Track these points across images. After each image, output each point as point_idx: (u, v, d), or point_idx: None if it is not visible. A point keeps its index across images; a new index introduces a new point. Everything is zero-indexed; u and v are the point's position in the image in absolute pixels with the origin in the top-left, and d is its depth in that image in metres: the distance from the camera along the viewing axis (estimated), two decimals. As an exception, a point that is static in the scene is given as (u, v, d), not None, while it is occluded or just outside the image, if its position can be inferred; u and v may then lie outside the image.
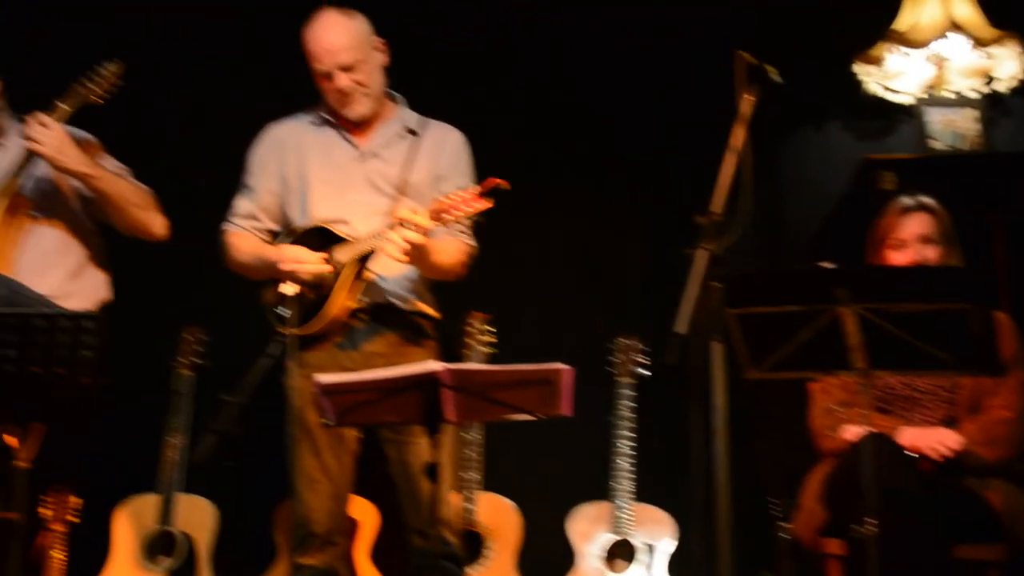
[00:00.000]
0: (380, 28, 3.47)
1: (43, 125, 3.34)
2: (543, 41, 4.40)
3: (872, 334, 2.62)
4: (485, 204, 3.06)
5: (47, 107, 3.41)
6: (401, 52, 3.53)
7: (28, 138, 3.34)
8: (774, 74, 2.69)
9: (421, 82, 3.96)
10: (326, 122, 3.49)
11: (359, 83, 3.37)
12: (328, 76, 3.35)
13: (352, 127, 3.46)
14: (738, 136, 2.60)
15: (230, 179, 3.59)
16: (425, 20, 4.40)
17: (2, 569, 3.41)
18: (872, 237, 3.40)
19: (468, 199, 3.08)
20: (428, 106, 3.57)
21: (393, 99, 3.54)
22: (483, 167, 3.40)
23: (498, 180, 3.05)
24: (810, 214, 4.41)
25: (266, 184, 3.50)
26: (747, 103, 2.64)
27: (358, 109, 3.40)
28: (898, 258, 3.30)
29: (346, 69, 3.34)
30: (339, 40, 3.34)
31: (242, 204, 3.53)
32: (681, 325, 2.41)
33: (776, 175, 4.34)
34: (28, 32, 4.27)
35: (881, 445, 2.86)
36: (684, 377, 2.60)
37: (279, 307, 3.28)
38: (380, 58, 3.43)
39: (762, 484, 3.58)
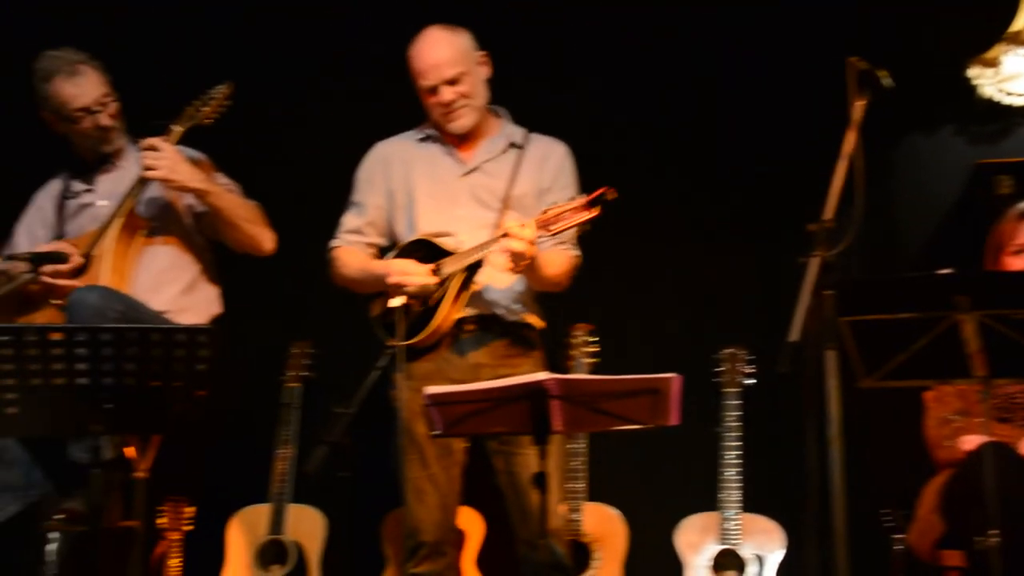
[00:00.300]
0: (486, 43, 3.50)
1: (154, 149, 3.44)
2: (650, 51, 4.37)
3: (992, 341, 2.56)
4: (592, 214, 3.05)
5: (162, 129, 3.51)
6: (507, 66, 3.55)
7: (143, 166, 3.45)
8: (885, 79, 2.63)
9: (527, 95, 4.00)
10: (431, 138, 3.53)
11: (463, 95, 3.40)
12: (433, 91, 3.39)
13: (457, 142, 3.50)
14: (850, 142, 2.55)
15: (337, 195, 3.65)
16: (531, 34, 4.40)
17: (123, 573, 3.51)
18: (990, 243, 3.31)
19: (575, 209, 3.07)
20: (534, 118, 3.58)
21: (497, 114, 3.56)
22: (588, 177, 3.38)
23: (605, 189, 3.04)
24: (923, 220, 4.31)
25: (373, 200, 3.54)
26: (858, 108, 2.59)
27: (463, 122, 3.43)
28: (1017, 264, 3.22)
29: (451, 82, 3.38)
30: (443, 54, 3.38)
31: (350, 220, 3.58)
32: (794, 333, 2.37)
33: (888, 181, 4.25)
34: (143, 55, 4.38)
35: (1002, 454, 2.79)
36: (795, 386, 2.56)
37: (387, 320, 3.32)
38: (483, 71, 3.47)
39: (874, 495, 3.51)
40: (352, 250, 3.55)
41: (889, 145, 4.27)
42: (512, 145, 3.49)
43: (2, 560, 3.97)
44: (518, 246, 3.09)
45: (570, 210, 3.08)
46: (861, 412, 2.85)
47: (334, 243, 3.59)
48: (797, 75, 4.17)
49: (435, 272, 3.30)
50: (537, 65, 4.38)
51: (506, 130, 3.53)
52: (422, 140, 3.55)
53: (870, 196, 2.61)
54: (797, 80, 4.17)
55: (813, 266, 2.45)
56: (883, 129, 2.82)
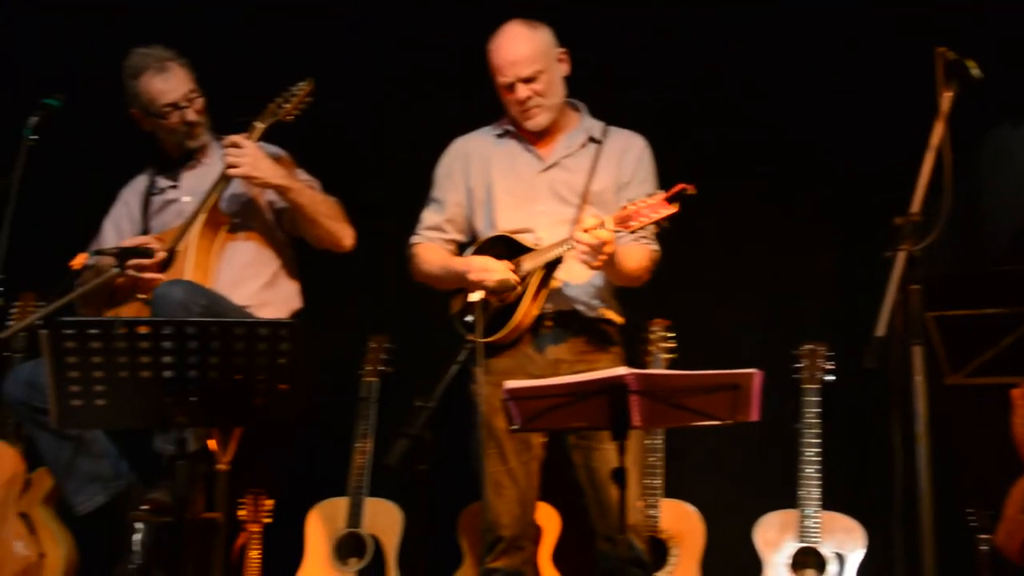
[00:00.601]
0: (569, 36, 3.49)
1: (236, 146, 3.49)
2: (730, 44, 4.32)
3: (1085, 338, 2.49)
4: (671, 210, 3.03)
5: (244, 126, 3.56)
6: (590, 59, 3.53)
7: (225, 163, 3.49)
8: (974, 69, 2.57)
9: (608, 88, 3.98)
10: (509, 134, 3.53)
11: (539, 93, 3.40)
12: (510, 88, 3.40)
13: (535, 138, 3.49)
14: (937, 134, 2.49)
15: (416, 191, 3.67)
16: (609, 28, 4.37)
17: (206, 566, 3.56)
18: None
19: (655, 205, 3.06)
20: (613, 111, 3.57)
21: (576, 108, 3.55)
22: (667, 172, 3.36)
23: (684, 185, 3.01)
24: (1012, 213, 4.20)
25: (453, 196, 3.56)
26: (946, 100, 2.53)
27: (537, 120, 3.43)
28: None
29: (527, 80, 3.38)
30: (521, 52, 3.38)
31: (429, 216, 3.60)
32: (881, 328, 2.32)
33: (976, 173, 4.15)
34: (227, 52, 4.44)
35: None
36: (876, 383, 2.51)
37: (467, 315, 3.34)
38: (561, 69, 3.46)
39: (959, 494, 3.44)
40: (432, 246, 3.57)
41: (977, 137, 4.17)
42: (591, 140, 3.49)
43: (89, 549, 4.07)
44: (596, 243, 3.08)
45: (649, 206, 3.07)
46: (947, 409, 2.79)
47: (414, 239, 3.60)
48: (883, 66, 4.08)
49: (514, 269, 3.30)
50: (616, 58, 4.34)
51: (584, 124, 3.52)
52: (500, 136, 3.56)
53: (958, 189, 2.55)
54: (883, 71, 4.08)
55: (900, 260, 2.40)
56: (971, 120, 2.74)
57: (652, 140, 3.53)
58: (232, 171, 3.49)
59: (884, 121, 3.99)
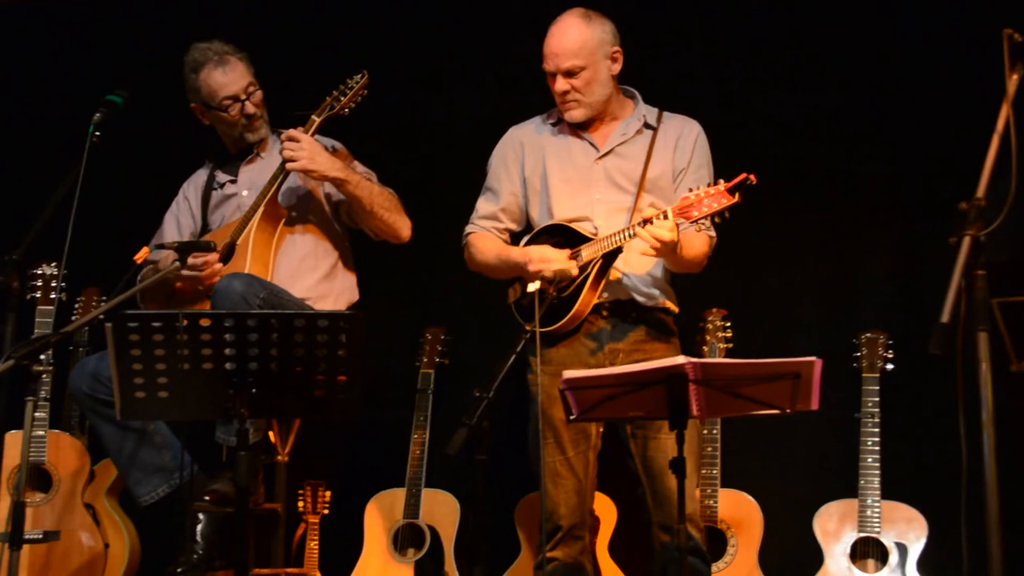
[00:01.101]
0: (631, 20, 3.45)
1: (293, 139, 3.51)
2: (794, 24, 4.26)
3: None
4: (733, 200, 2.99)
5: (302, 120, 3.58)
6: (657, 41, 3.46)
7: (283, 156, 3.52)
8: (1042, 50, 2.51)
9: (671, 73, 3.95)
10: (564, 122, 3.51)
11: (576, 89, 3.37)
12: (552, 76, 3.39)
13: (589, 126, 3.47)
14: (1003, 117, 2.44)
15: (471, 180, 3.67)
16: (679, 10, 4.36)
17: (267, 556, 3.59)
18: None
19: (716, 195, 3.02)
20: (677, 97, 3.54)
21: (630, 96, 3.53)
22: (725, 160, 3.33)
23: (746, 175, 2.98)
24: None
25: (507, 186, 3.55)
26: (1013, 83, 2.47)
27: (573, 115, 3.42)
28: None
29: (566, 74, 3.36)
30: (567, 45, 3.36)
31: (484, 206, 3.59)
32: (945, 314, 2.28)
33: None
34: (285, 46, 4.47)
35: None
36: (938, 371, 2.48)
37: (523, 305, 3.33)
38: (609, 67, 3.41)
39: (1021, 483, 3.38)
40: (487, 236, 3.56)
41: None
42: (646, 126, 3.46)
43: (152, 539, 4.12)
44: (659, 234, 3.06)
45: (711, 196, 3.03)
46: (1013, 397, 2.74)
47: (469, 229, 3.60)
48: (949, 47, 3.99)
49: (573, 257, 3.29)
50: (675, 39, 4.32)
51: (639, 111, 3.49)
52: (554, 124, 3.54)
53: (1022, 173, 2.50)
54: (949, 52, 3.99)
55: (964, 246, 2.35)
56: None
57: (709, 122, 3.49)
58: (290, 164, 3.51)
59: (949, 103, 3.90)
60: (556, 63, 3.36)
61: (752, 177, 2.97)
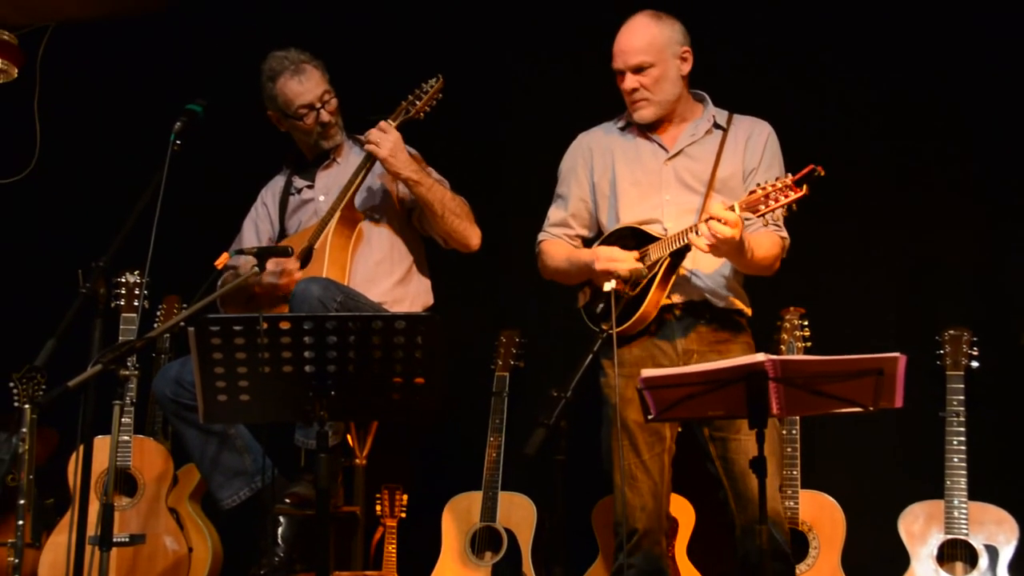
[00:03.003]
0: (699, 19, 3.44)
1: (382, 130, 3.55)
2: (863, 30, 4.22)
3: None
4: (800, 193, 2.95)
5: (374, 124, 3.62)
6: (734, 43, 3.43)
7: (368, 141, 3.56)
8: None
9: (748, 73, 3.92)
10: (633, 125, 3.50)
11: (644, 87, 3.36)
12: (620, 74, 3.38)
13: (658, 128, 3.46)
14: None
15: (543, 186, 3.68)
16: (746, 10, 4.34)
17: (347, 559, 3.63)
18: None
19: (783, 188, 2.98)
20: (752, 96, 3.50)
21: (700, 99, 3.51)
22: (798, 155, 3.29)
23: (813, 166, 2.93)
24: None
25: (577, 192, 3.55)
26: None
27: (642, 114, 3.40)
28: None
29: (634, 71, 3.35)
30: (636, 42, 3.35)
31: (555, 213, 3.60)
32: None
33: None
34: (361, 51, 4.52)
35: None
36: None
37: (595, 307, 3.33)
38: (678, 67, 3.39)
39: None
40: (558, 242, 3.57)
41: None
42: (716, 126, 3.44)
43: (233, 542, 4.18)
44: (723, 230, 3.02)
45: (778, 190, 2.99)
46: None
47: (541, 237, 3.61)
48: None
49: (641, 258, 3.27)
50: (754, 40, 4.30)
51: (709, 113, 3.47)
52: (623, 128, 3.53)
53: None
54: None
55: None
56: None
57: (782, 118, 3.46)
58: (372, 147, 3.55)
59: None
60: (625, 60, 3.35)
61: (820, 169, 2.92)
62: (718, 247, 3.08)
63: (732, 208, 3.05)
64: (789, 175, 3.00)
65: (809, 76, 4.24)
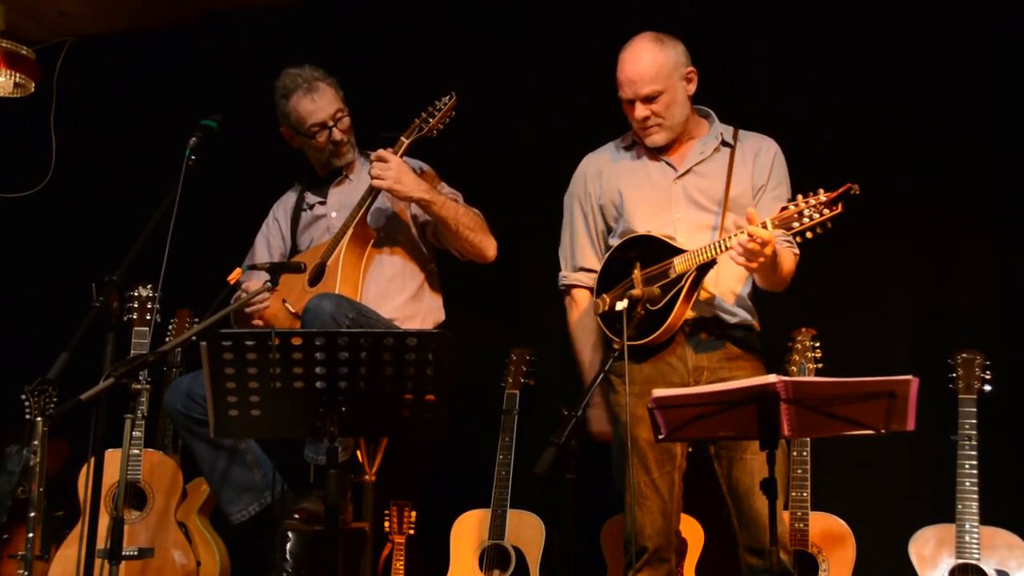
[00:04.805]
0: (712, 38, 3.44)
1: (382, 160, 3.55)
2: (885, 44, 4.22)
3: None
4: (835, 212, 2.92)
5: (391, 141, 3.62)
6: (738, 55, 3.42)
7: (371, 175, 3.56)
8: None
9: (758, 84, 3.93)
10: (639, 144, 3.49)
11: (656, 114, 3.35)
12: (630, 103, 3.37)
13: (667, 148, 3.45)
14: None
15: (552, 201, 3.69)
16: (761, 23, 4.35)
17: (355, 574, 3.62)
18: None
19: (818, 206, 2.95)
20: (764, 111, 3.50)
21: (705, 116, 3.51)
22: (813, 174, 3.28)
23: (849, 184, 2.90)
24: None
25: (589, 219, 3.56)
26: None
27: (654, 139, 3.40)
28: None
29: (645, 100, 3.34)
30: (643, 71, 3.32)
31: (573, 253, 3.57)
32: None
33: None
34: (375, 67, 4.54)
35: None
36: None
37: (609, 319, 3.30)
38: (685, 88, 3.39)
39: None
40: (587, 306, 3.53)
41: None
42: (723, 144, 3.43)
43: (242, 558, 4.18)
44: (757, 246, 3.00)
45: (812, 207, 2.96)
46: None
47: (568, 280, 3.58)
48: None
49: (661, 272, 3.26)
50: (771, 57, 4.31)
51: (715, 130, 3.47)
52: (628, 147, 3.53)
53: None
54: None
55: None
56: None
57: (795, 137, 3.45)
58: (377, 182, 3.55)
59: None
60: (635, 90, 3.33)
61: (856, 187, 2.89)
62: (750, 263, 3.05)
63: (764, 225, 3.01)
64: (823, 192, 2.96)
65: (820, 92, 4.23)
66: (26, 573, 3.76)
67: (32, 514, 3.81)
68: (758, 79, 4.25)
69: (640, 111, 3.35)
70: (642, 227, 3.41)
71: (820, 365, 3.85)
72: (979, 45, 4.08)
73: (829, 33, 4.27)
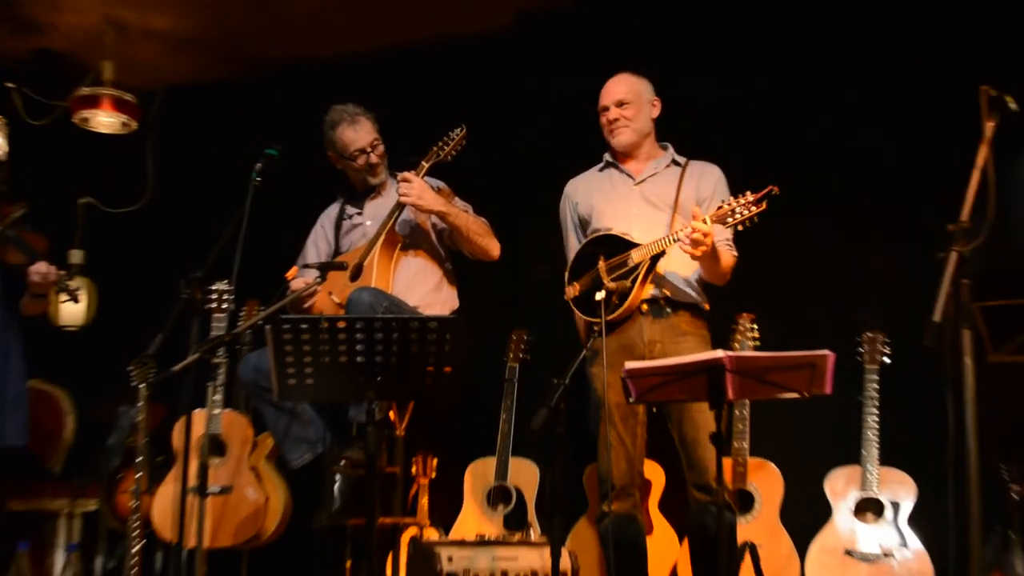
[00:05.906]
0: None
1: (407, 181, 3.53)
2: (818, 58, 4.16)
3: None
4: (760, 208, 2.94)
5: (413, 164, 3.60)
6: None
7: (398, 193, 3.54)
8: (1011, 103, 2.44)
9: (695, 93, 3.88)
10: (609, 165, 3.52)
11: (625, 116, 3.39)
12: (605, 110, 3.41)
13: (626, 160, 3.45)
14: (982, 156, 2.36)
15: (548, 207, 3.66)
16: (696, 31, 4.31)
17: (389, 510, 3.61)
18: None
19: (747, 204, 2.97)
20: (705, 120, 3.52)
21: (664, 148, 3.52)
22: (745, 177, 3.26)
23: (771, 187, 2.93)
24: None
25: (577, 238, 3.54)
26: (989, 128, 2.40)
27: (621, 138, 3.41)
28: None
29: (617, 104, 3.39)
30: (620, 86, 3.43)
31: (569, 261, 3.52)
32: (937, 314, 2.22)
33: (1009, 188, 3.90)
34: (404, 105, 4.52)
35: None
36: (925, 364, 2.39)
37: (579, 300, 3.30)
38: (651, 110, 3.45)
39: (993, 452, 3.25)
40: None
41: (1013, 158, 3.92)
42: (674, 162, 3.46)
43: (301, 494, 4.17)
44: (700, 237, 3.02)
45: (742, 204, 2.98)
46: (987, 382, 2.64)
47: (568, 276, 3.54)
48: (933, 99, 3.90)
49: (622, 262, 3.25)
50: (705, 67, 4.26)
51: (669, 155, 3.50)
52: (602, 169, 3.54)
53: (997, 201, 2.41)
54: (934, 102, 3.90)
55: (952, 260, 2.29)
56: (1008, 145, 2.59)
57: (731, 143, 3.44)
58: (403, 198, 3.54)
59: (947, 141, 3.77)
60: (611, 97, 3.41)
61: (775, 189, 2.92)
62: (694, 251, 3.06)
63: (704, 221, 3.03)
64: (750, 193, 2.97)
65: (757, 99, 4.18)
66: (136, 503, 3.86)
67: (139, 459, 3.89)
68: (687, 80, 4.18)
69: (612, 113, 3.39)
70: (607, 224, 3.40)
71: (758, 342, 3.84)
72: (889, 78, 4.04)
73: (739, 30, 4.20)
